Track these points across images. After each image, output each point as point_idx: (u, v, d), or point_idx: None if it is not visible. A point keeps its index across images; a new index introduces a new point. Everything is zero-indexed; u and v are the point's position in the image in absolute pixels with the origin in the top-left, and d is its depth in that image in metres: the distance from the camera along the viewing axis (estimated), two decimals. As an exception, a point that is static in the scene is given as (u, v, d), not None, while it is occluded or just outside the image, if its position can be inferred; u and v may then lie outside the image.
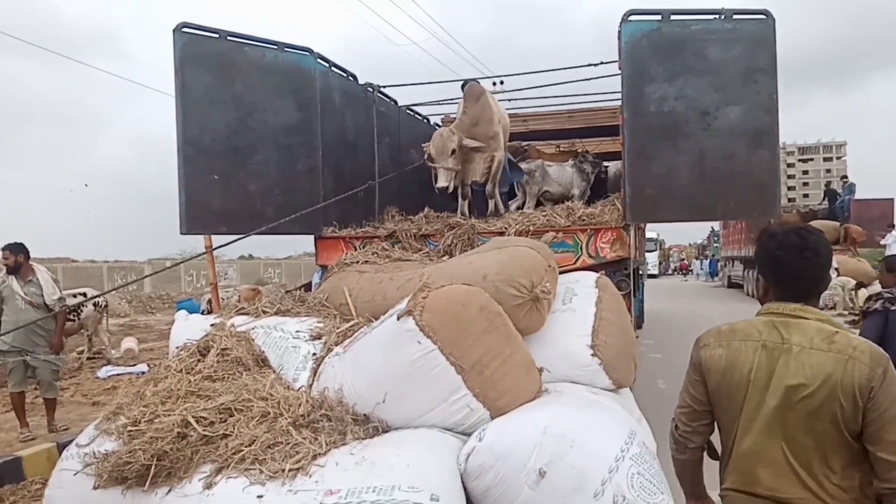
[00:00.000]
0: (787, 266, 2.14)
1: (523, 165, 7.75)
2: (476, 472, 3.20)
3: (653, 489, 3.16)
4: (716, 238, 38.41)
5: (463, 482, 3.21)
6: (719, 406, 2.24)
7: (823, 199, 21.68)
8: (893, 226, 19.23)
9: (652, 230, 36.40)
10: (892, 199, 20.85)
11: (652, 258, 37.36)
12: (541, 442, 3.18)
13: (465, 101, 6.22)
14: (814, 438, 2.03)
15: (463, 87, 6.82)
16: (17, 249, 5.99)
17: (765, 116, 4.87)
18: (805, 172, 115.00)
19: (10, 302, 5.94)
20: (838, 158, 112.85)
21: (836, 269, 17.07)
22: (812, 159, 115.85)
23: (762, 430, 2.11)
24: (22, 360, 5.84)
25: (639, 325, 12.70)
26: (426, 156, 5.91)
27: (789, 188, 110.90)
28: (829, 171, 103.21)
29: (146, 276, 23.21)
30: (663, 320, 15.05)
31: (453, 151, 5.68)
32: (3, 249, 6.05)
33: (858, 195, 21.79)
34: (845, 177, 26.81)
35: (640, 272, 11.80)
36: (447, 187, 5.69)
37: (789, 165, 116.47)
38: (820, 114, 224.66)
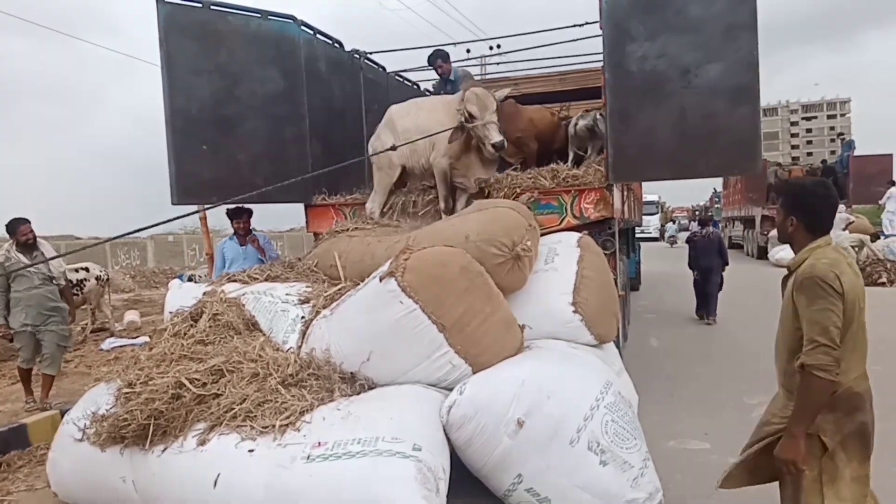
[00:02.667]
0: (824, 208, 2.68)
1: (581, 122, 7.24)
2: (458, 423, 3.35)
3: (626, 435, 3.30)
4: (717, 199, 38.28)
5: (445, 434, 3.36)
6: (847, 326, 2.49)
7: (822, 173, 21.70)
8: (893, 182, 19.16)
9: (653, 193, 36.30)
10: (892, 155, 20.64)
11: (653, 221, 37.18)
12: (519, 394, 3.32)
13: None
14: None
15: (429, 59, 6.69)
16: (28, 223, 5.92)
17: (745, 73, 4.87)
18: (808, 131, 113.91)
19: (22, 278, 5.85)
20: (842, 115, 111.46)
21: (852, 221, 17.33)
22: (816, 117, 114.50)
23: (863, 327, 2.58)
24: (33, 337, 5.87)
25: (635, 286, 12.87)
26: (464, 118, 5.13)
27: (793, 147, 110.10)
28: (832, 128, 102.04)
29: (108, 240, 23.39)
30: (661, 282, 15.18)
31: (497, 106, 5.14)
32: (23, 224, 5.90)
33: (860, 151, 21.73)
34: (842, 134, 26.66)
35: (635, 233, 11.88)
36: (503, 141, 5.04)
37: (793, 124, 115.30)
38: (819, 73, 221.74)
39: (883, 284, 13.33)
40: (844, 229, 16.92)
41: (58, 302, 6.07)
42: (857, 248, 14.97)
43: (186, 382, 3.44)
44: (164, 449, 3.35)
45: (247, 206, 6.19)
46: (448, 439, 3.35)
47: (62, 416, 4.50)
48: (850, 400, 2.51)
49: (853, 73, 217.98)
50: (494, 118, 5.06)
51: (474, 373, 3.57)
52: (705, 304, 10.11)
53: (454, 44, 8.36)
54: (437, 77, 7.03)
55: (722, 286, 10.26)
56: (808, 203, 2.66)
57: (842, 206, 16.68)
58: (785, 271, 2.73)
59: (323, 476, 3.00)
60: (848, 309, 2.46)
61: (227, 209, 6.28)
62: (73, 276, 9.96)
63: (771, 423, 2.70)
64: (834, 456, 2.50)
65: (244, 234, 6.21)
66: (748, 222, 23.05)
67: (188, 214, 5.47)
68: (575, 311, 4.20)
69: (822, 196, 2.67)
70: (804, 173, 21.33)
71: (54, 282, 6.05)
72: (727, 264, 10.36)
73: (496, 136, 5.01)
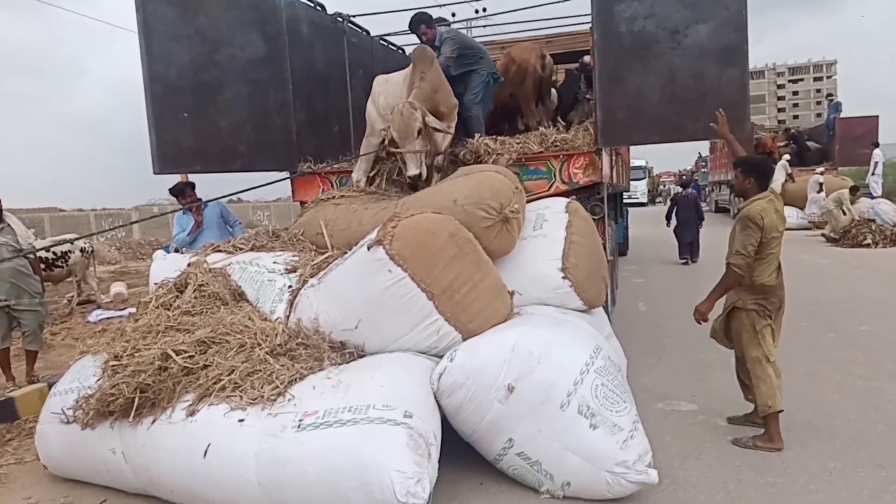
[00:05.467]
0: (769, 174, 4.20)
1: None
2: (448, 390, 3.36)
3: (616, 398, 3.32)
4: (704, 164, 38.32)
5: (436, 400, 3.37)
6: (766, 246, 3.87)
7: (787, 143, 21.82)
8: (877, 143, 19.24)
9: (641, 158, 36.25)
10: (877, 117, 20.70)
11: (641, 186, 37.26)
12: (509, 359, 3.33)
13: (419, 66, 5.18)
14: None
15: (410, 24, 6.12)
16: None
17: (734, 34, 4.80)
18: (795, 93, 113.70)
19: None
20: (829, 77, 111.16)
21: (822, 184, 17.55)
22: (802, 79, 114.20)
23: (777, 248, 3.95)
24: (6, 315, 5.73)
25: (623, 251, 12.90)
26: (384, 141, 5.04)
27: (779, 109, 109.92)
28: (818, 90, 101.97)
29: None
30: (649, 247, 15.23)
31: (419, 132, 4.76)
32: None
33: (846, 113, 21.75)
34: (830, 96, 26.67)
35: (623, 199, 11.86)
36: (420, 175, 4.79)
37: (779, 86, 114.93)
38: (802, 36, 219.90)
39: (868, 246, 13.42)
40: (819, 192, 17.10)
41: (29, 275, 5.93)
42: (839, 208, 15.08)
43: (173, 354, 3.41)
44: (154, 420, 3.34)
45: (190, 179, 6.30)
46: (439, 405, 3.37)
47: (50, 389, 4.46)
48: (764, 289, 3.92)
49: (837, 37, 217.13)
50: (417, 146, 4.79)
51: (464, 340, 3.57)
52: (688, 250, 12.51)
53: (439, 6, 8.17)
54: (421, 44, 6.40)
55: (699, 237, 12.56)
56: (761, 169, 4.12)
57: (817, 176, 16.83)
58: None
59: (314, 444, 3.01)
60: (764, 236, 3.84)
61: (169, 189, 6.32)
62: (58, 248, 9.84)
63: (724, 306, 4.13)
64: (759, 321, 3.94)
65: (191, 208, 6.21)
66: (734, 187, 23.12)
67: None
68: (564, 277, 4.20)
69: (768, 166, 4.33)
70: (773, 140, 21.60)
71: (24, 254, 5.90)
72: (702, 219, 12.89)
73: (413, 170, 4.80)
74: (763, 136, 21.78)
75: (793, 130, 24.00)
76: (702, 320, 4.03)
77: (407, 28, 6.34)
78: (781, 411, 3.87)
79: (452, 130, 5.32)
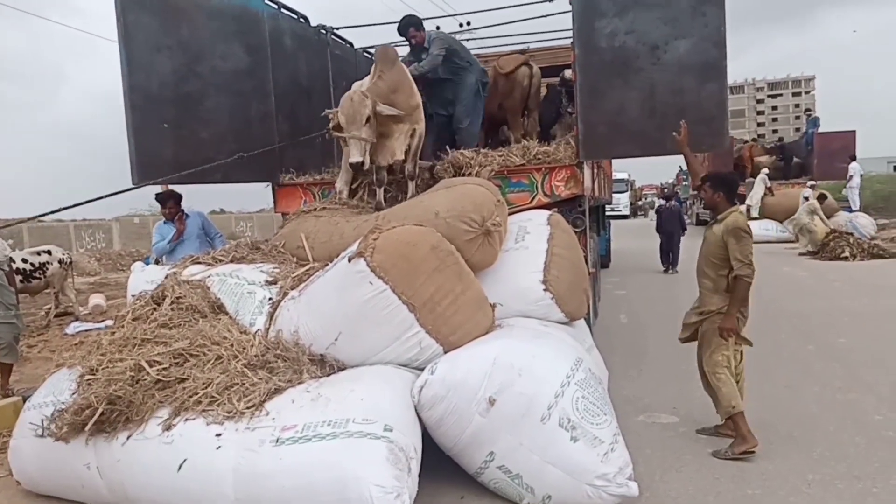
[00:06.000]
0: (736, 188, 4.47)
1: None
2: (429, 403, 3.34)
3: (596, 411, 3.32)
4: (685, 176, 38.71)
5: (417, 414, 3.35)
6: None
7: (776, 157, 22.31)
8: (854, 157, 19.57)
9: (623, 171, 36.57)
10: (854, 132, 21.08)
11: (623, 199, 37.57)
12: (490, 372, 3.32)
13: (379, 65, 5.09)
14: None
15: (399, 27, 6.01)
16: None
17: (713, 49, 4.87)
18: (774, 108, 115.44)
19: None
20: (807, 93, 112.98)
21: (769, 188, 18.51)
22: (781, 94, 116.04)
23: None
24: None
25: (605, 264, 12.96)
26: (331, 125, 4.95)
27: (759, 124, 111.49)
28: (797, 105, 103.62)
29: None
30: (631, 259, 15.33)
31: (368, 119, 4.65)
32: None
33: (824, 128, 22.11)
34: (809, 111, 27.10)
35: (605, 211, 11.94)
36: (362, 163, 4.65)
37: (759, 101, 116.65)
38: (780, 52, 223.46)
39: (846, 259, 13.60)
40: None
41: (4, 287, 5.83)
42: (812, 218, 15.26)
43: (145, 365, 3.36)
44: (129, 436, 3.28)
45: (176, 190, 6.25)
46: (420, 419, 3.35)
47: (24, 402, 4.38)
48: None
49: (814, 52, 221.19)
50: (362, 133, 4.66)
51: (445, 352, 3.56)
52: (669, 259, 13.16)
53: (424, 20, 8.19)
54: (410, 48, 6.31)
55: (679, 245, 13.12)
56: (729, 184, 4.34)
57: (807, 190, 16.96)
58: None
59: (293, 459, 2.97)
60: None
61: (156, 194, 6.31)
62: (36, 260, 9.70)
63: (697, 311, 4.29)
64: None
65: (171, 219, 6.23)
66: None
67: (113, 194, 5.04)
68: (545, 289, 4.21)
69: (735, 180, 4.67)
70: (751, 150, 22.20)
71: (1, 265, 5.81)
72: (685, 230, 13.67)
73: (355, 157, 4.66)
74: (742, 148, 22.19)
75: (778, 143, 24.39)
76: (730, 335, 4.08)
77: (392, 35, 6.30)
78: (743, 411, 4.00)
79: (419, 125, 5.23)
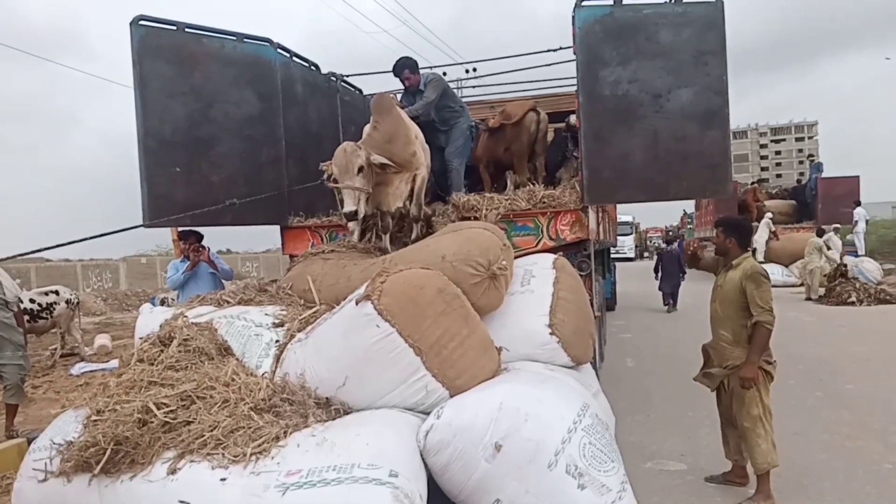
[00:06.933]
0: (749, 234, 4.43)
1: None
2: (435, 448, 3.31)
3: (604, 458, 3.29)
4: (689, 220, 38.86)
5: (423, 459, 3.32)
6: None
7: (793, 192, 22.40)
8: (859, 202, 19.66)
9: (627, 213, 36.76)
10: (858, 177, 21.23)
11: (628, 241, 37.66)
12: (497, 417, 3.30)
13: (374, 115, 5.18)
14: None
15: (395, 69, 6.06)
16: None
17: (715, 98, 4.98)
18: (778, 153, 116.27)
19: None
20: (810, 138, 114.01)
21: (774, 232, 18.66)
22: (784, 139, 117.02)
23: None
24: None
25: (611, 306, 12.95)
26: (326, 175, 4.95)
27: (762, 168, 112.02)
28: (801, 150, 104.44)
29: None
30: (636, 300, 15.32)
31: (360, 169, 4.67)
32: None
33: (827, 173, 22.27)
34: (812, 156, 27.38)
35: (610, 254, 11.98)
36: (355, 212, 4.69)
37: (762, 146, 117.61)
38: (782, 97, 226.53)
39: (853, 304, 13.55)
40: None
41: (13, 328, 5.88)
42: (820, 255, 15.38)
43: (153, 407, 3.35)
44: (132, 477, 3.25)
45: (200, 230, 6.40)
46: (425, 464, 3.32)
47: (29, 444, 4.36)
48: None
49: (816, 97, 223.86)
50: (356, 183, 4.68)
51: (451, 396, 3.54)
52: (670, 298, 14.28)
53: (430, 67, 8.39)
54: (404, 89, 6.38)
55: (679, 287, 14.31)
56: (742, 230, 4.32)
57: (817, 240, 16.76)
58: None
59: (297, 505, 2.94)
60: None
61: (180, 230, 6.46)
62: (43, 300, 9.78)
63: (720, 366, 4.20)
64: (764, 378, 4.04)
65: (188, 256, 6.39)
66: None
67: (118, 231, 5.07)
68: (552, 333, 4.21)
69: (749, 227, 4.64)
70: (754, 194, 22.25)
71: (9, 307, 5.86)
72: (685, 273, 14.39)
73: (348, 206, 4.70)
74: (746, 191, 22.31)
75: (792, 187, 24.40)
76: (750, 386, 4.02)
77: (399, 87, 6.45)
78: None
79: (421, 170, 5.23)
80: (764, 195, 23.17)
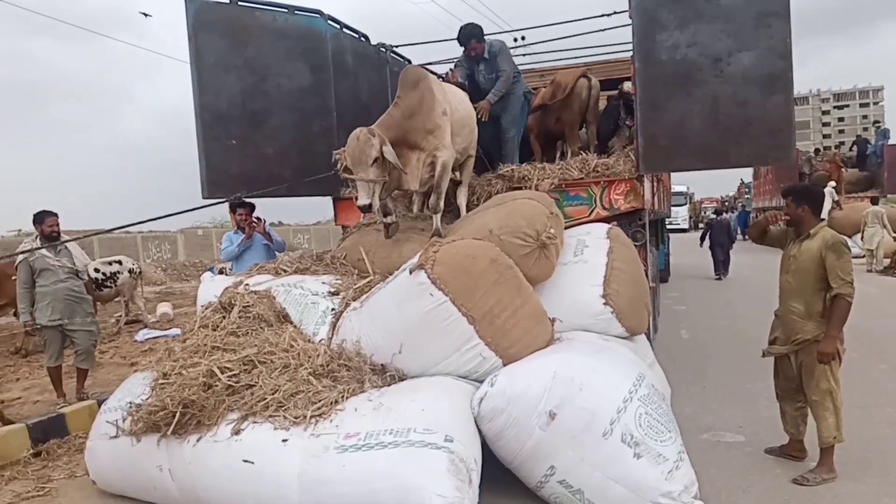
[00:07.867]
0: (822, 201, 4.14)
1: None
2: (489, 415, 3.35)
3: (661, 428, 3.26)
4: (747, 189, 37.68)
5: (477, 425, 3.37)
6: None
7: (852, 146, 21.22)
8: (928, 170, 18.68)
9: (682, 184, 35.84)
10: (928, 144, 20.14)
11: (681, 212, 36.77)
12: (551, 386, 3.31)
13: (399, 89, 4.83)
14: None
15: (461, 37, 5.76)
16: (56, 216, 5.86)
17: (778, 61, 4.78)
18: (841, 119, 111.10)
19: (47, 273, 5.80)
20: (875, 104, 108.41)
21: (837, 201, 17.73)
22: (847, 105, 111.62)
23: None
24: (60, 333, 5.90)
25: (664, 278, 12.72)
26: (339, 165, 4.67)
27: (824, 136, 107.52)
28: (865, 117, 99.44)
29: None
30: (690, 271, 15.02)
31: (375, 160, 4.34)
32: (50, 216, 5.78)
33: (894, 140, 21.19)
34: (878, 122, 26.04)
35: (664, 225, 11.74)
36: (369, 205, 4.38)
37: (824, 112, 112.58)
38: (839, 64, 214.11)
39: (919, 276, 12.99)
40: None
41: (84, 296, 6.12)
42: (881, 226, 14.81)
43: (217, 371, 3.49)
44: (199, 438, 3.40)
45: (252, 201, 6.26)
46: (479, 431, 3.36)
47: (99, 406, 4.59)
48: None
49: (877, 63, 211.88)
50: (370, 174, 4.35)
51: (505, 365, 3.57)
52: (720, 267, 14.46)
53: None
54: (467, 58, 6.04)
55: (730, 256, 14.61)
56: (814, 197, 4.03)
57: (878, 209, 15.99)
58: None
59: (356, 466, 3.03)
60: None
61: (230, 203, 6.35)
62: (107, 269, 10.16)
63: (788, 340, 4.00)
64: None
65: (242, 226, 6.31)
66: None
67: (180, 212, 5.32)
68: (606, 304, 4.17)
69: (820, 193, 4.26)
70: (835, 161, 21.20)
71: (79, 276, 6.09)
72: (734, 241, 15.07)
73: (362, 200, 4.36)
74: (823, 158, 21.30)
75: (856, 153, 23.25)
76: (829, 360, 3.80)
77: (446, 56, 6.37)
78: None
79: (441, 152, 4.81)
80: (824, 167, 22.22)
